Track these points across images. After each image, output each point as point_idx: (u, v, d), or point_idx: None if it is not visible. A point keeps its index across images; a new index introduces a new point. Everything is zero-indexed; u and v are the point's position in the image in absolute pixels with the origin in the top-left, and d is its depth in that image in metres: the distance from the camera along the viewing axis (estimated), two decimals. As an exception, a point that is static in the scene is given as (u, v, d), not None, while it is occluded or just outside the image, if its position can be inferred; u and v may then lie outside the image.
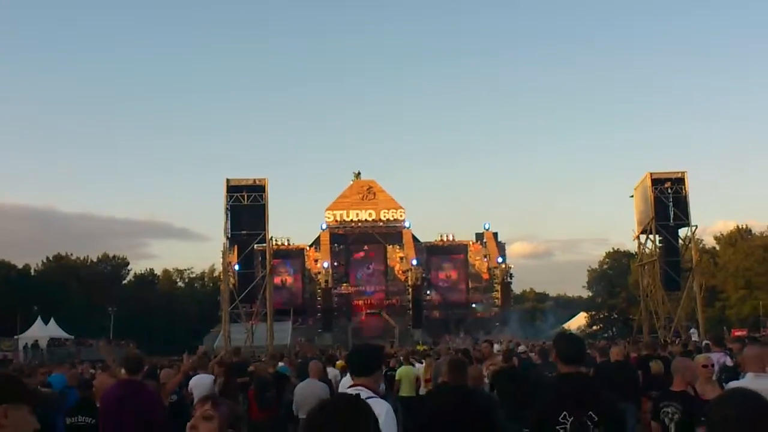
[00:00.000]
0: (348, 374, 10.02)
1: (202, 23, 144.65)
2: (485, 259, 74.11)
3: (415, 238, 73.01)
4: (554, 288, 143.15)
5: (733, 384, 7.17)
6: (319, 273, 68.51)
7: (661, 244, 51.86)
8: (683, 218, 50.88)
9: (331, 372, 14.91)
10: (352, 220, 72.22)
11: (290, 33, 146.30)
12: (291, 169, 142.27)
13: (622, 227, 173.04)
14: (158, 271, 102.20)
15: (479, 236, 76.01)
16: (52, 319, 59.00)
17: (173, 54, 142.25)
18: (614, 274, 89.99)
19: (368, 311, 70.86)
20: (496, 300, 71.62)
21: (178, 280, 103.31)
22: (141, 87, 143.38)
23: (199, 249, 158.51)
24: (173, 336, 71.31)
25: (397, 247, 73.51)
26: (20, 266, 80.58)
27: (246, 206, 49.88)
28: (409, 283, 68.21)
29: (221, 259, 54.04)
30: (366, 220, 72.13)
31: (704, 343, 18.88)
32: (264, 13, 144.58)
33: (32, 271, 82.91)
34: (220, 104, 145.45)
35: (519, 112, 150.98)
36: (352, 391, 4.20)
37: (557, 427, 4.73)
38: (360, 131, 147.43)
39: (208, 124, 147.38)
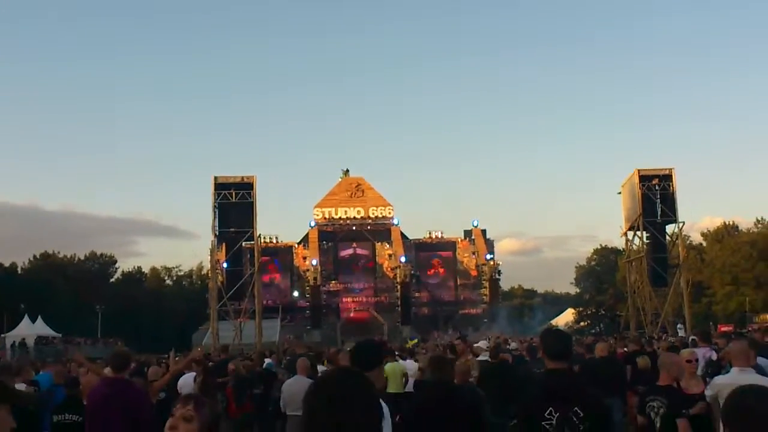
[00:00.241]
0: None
1: (192, 23, 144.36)
2: (473, 256, 74.25)
3: (403, 236, 73.04)
4: (542, 284, 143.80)
5: (718, 379, 7.23)
6: (308, 270, 68.44)
7: (648, 241, 52.16)
8: (670, 215, 51.17)
9: (321, 369, 14.91)
10: (340, 218, 72.19)
11: (282, 32, 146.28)
12: (279, 166, 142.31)
13: (610, 224, 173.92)
14: (146, 269, 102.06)
15: (468, 233, 76.10)
16: (39, 317, 58.72)
17: (162, 53, 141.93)
18: (602, 270, 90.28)
19: (357, 308, 70.85)
20: (485, 297, 71.76)
21: (166, 278, 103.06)
22: (128, 85, 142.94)
23: (187, 247, 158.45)
24: (162, 334, 71.09)
25: (386, 244, 73.51)
26: (7, 264, 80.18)
27: (234, 204, 49.81)
28: (398, 280, 68.23)
29: (209, 257, 53.97)
30: (354, 217, 72.09)
31: (691, 338, 19.00)
32: (255, 12, 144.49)
33: (19, 269, 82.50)
34: (208, 102, 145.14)
35: (509, 111, 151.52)
36: None
37: (543, 423, 4.74)
38: (348, 128, 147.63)
39: (195, 121, 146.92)
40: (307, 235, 73.08)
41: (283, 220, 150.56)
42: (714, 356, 12.34)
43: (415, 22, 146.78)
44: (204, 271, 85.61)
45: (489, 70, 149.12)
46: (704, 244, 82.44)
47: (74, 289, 79.09)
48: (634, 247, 54.18)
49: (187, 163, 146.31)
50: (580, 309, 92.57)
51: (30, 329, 56.72)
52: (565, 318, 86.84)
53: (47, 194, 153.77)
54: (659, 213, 51.33)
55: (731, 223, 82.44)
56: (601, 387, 6.96)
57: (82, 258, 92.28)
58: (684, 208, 66.77)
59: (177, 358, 17.15)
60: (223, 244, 51.90)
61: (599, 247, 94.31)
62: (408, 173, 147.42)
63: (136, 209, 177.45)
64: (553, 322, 77.99)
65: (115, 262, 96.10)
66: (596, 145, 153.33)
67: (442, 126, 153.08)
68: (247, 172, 51.91)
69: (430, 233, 75.70)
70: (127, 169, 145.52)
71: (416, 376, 14.91)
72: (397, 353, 18.26)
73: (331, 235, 73.64)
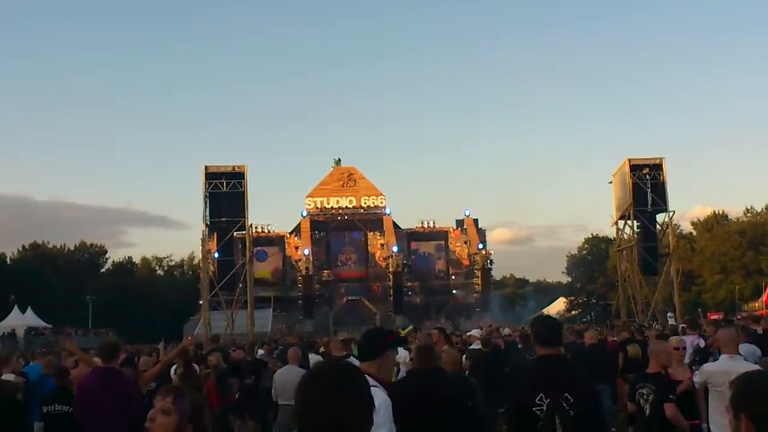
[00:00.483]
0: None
1: (183, 13, 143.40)
2: (466, 246, 74.43)
3: (395, 225, 73.12)
4: (534, 274, 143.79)
5: (707, 366, 7.27)
6: (300, 260, 68.47)
7: (638, 230, 52.32)
8: (661, 204, 51.31)
9: (313, 358, 14.90)
10: (332, 207, 72.22)
11: (270, 23, 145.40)
12: (271, 156, 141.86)
13: (601, 213, 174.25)
14: (137, 260, 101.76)
15: (460, 223, 76.32)
16: (29, 307, 58.54)
17: (151, 42, 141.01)
18: (593, 259, 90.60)
19: (349, 298, 70.91)
20: (477, 286, 71.93)
21: (157, 268, 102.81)
22: (120, 76, 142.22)
23: (178, 237, 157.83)
24: (153, 324, 70.93)
25: (378, 233, 73.58)
26: (-4, 254, 79.91)
27: (225, 193, 49.68)
28: (390, 269, 68.30)
29: (201, 247, 53.86)
30: (346, 207, 72.14)
31: (681, 326, 19.10)
32: (245, 2, 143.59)
33: (8, 259, 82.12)
34: (198, 91, 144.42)
35: (502, 101, 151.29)
36: None
37: (533, 409, 4.73)
38: (340, 118, 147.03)
39: (186, 111, 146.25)
40: (299, 224, 73.09)
41: (275, 209, 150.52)
42: (702, 343, 12.44)
43: (407, 11, 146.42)
44: (195, 261, 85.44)
45: (481, 59, 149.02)
46: (694, 233, 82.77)
47: (64, 280, 78.81)
48: (625, 236, 54.36)
49: (177, 153, 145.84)
50: (572, 298, 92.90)
51: (20, 320, 56.56)
52: (557, 307, 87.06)
53: (37, 184, 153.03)
54: (650, 202, 51.46)
55: (721, 212, 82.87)
56: (590, 374, 6.98)
57: (72, 248, 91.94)
58: (674, 198, 67.09)
59: (168, 349, 17.16)
60: (215, 234, 51.78)
61: (590, 236, 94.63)
62: (400, 163, 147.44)
63: (126, 199, 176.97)
64: (545, 310, 78.14)
65: (106, 252, 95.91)
66: (587, 134, 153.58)
67: (434, 115, 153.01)
68: (238, 162, 51.76)
69: (422, 222, 75.83)
70: (117, 159, 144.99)
71: (408, 366, 14.90)
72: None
73: (323, 224, 73.67)
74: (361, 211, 72.35)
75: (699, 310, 52.02)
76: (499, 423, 10.47)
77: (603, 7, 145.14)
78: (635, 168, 51.35)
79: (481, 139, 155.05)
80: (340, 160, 75.57)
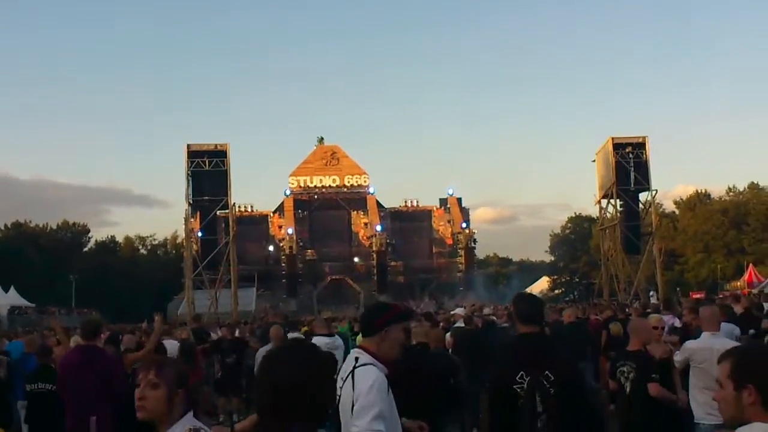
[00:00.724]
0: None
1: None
2: (449, 225, 74.60)
3: (379, 204, 73.13)
4: (518, 253, 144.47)
5: (689, 343, 7.33)
6: (284, 239, 68.41)
7: (621, 209, 52.58)
8: (644, 183, 51.56)
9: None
10: (315, 186, 72.08)
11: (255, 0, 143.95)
12: (253, 134, 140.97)
13: (585, 192, 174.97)
14: (120, 239, 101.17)
15: (443, 202, 76.42)
16: (12, 287, 58.17)
17: (132, 19, 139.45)
18: (576, 238, 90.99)
19: (333, 277, 70.97)
20: (460, 265, 72.16)
21: (140, 247, 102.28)
22: (102, 52, 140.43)
23: (161, 216, 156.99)
24: (137, 303, 70.72)
25: (362, 212, 73.58)
26: (-23, 234, 79.27)
27: (208, 172, 49.48)
28: (374, 248, 68.35)
29: (184, 226, 53.67)
30: (330, 186, 72.03)
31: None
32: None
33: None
34: (180, 69, 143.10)
35: (483, 79, 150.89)
36: (353, 354, 4.03)
37: (514, 387, 4.75)
38: (323, 96, 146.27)
39: (168, 89, 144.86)
40: (282, 203, 72.95)
41: (258, 188, 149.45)
42: (677, 323, 12.60)
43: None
44: (179, 240, 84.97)
45: (465, 38, 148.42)
46: (677, 212, 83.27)
47: (47, 259, 78.35)
48: (608, 215, 54.62)
49: (160, 132, 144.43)
50: (555, 277, 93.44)
51: (2, 299, 56.13)
52: (540, 285, 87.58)
53: (19, 163, 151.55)
54: (633, 181, 51.68)
55: (703, 191, 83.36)
56: (569, 352, 7.03)
57: (55, 227, 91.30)
58: (657, 177, 67.26)
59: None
60: (198, 213, 51.63)
61: (573, 215, 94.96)
62: (384, 142, 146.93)
63: (108, 178, 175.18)
64: (528, 289, 78.69)
65: (89, 231, 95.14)
66: (571, 113, 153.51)
67: (417, 94, 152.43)
68: (220, 140, 51.47)
69: (405, 202, 75.85)
70: (99, 138, 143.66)
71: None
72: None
73: (306, 203, 73.56)
74: (345, 190, 72.28)
75: (678, 289, 52.52)
76: (482, 400, 10.55)
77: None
78: (618, 147, 51.51)
79: (465, 118, 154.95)
80: (323, 138, 75.40)
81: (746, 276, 52.13)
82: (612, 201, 52.89)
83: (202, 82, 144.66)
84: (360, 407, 3.64)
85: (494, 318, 17.48)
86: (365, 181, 72.45)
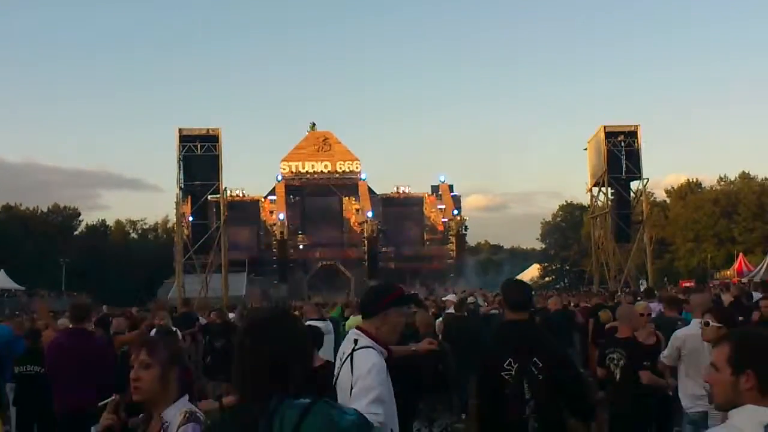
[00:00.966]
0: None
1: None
2: (440, 211, 74.63)
3: (371, 191, 73.06)
4: (509, 240, 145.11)
5: (680, 331, 7.34)
6: (275, 224, 68.33)
7: (613, 197, 52.57)
8: (635, 171, 51.54)
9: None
10: (307, 172, 71.96)
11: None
12: (245, 119, 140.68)
13: (576, 180, 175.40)
14: (110, 222, 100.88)
15: (435, 188, 76.45)
16: (2, 270, 57.99)
17: (125, 3, 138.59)
18: (567, 226, 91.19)
19: (324, 262, 70.96)
20: (451, 252, 72.22)
21: (131, 231, 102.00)
22: (91, 36, 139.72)
23: (152, 200, 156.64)
24: (127, 287, 70.65)
25: (353, 199, 73.55)
26: (-33, 216, 78.92)
27: (199, 156, 49.23)
28: (365, 235, 68.34)
29: (175, 210, 53.48)
30: (322, 171, 71.93)
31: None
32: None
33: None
34: (173, 52, 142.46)
35: (476, 66, 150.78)
36: (351, 336, 4.01)
37: (502, 374, 4.75)
38: (316, 82, 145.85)
39: (159, 72, 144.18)
40: (274, 188, 72.82)
41: (250, 173, 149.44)
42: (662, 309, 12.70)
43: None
44: (170, 225, 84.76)
45: (456, 24, 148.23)
46: (668, 201, 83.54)
47: (37, 242, 78.12)
48: (599, 203, 54.66)
49: (151, 115, 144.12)
50: (546, 264, 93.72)
51: (-8, 282, 56.07)
52: (531, 273, 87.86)
53: (9, 146, 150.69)
54: (624, 169, 51.66)
55: (695, 180, 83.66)
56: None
57: (46, 210, 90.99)
58: (649, 165, 67.73)
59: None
60: (189, 198, 51.41)
61: (565, 203, 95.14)
62: (376, 127, 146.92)
63: (99, 161, 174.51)
64: (519, 276, 78.72)
65: (79, 215, 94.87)
66: (563, 101, 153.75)
67: (410, 80, 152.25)
68: (212, 125, 51.29)
69: (397, 188, 75.77)
70: (90, 121, 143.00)
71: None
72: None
73: (298, 189, 73.47)
74: (337, 175, 72.19)
75: (665, 278, 52.67)
76: (471, 386, 10.57)
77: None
78: (610, 135, 51.45)
79: (458, 105, 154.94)
80: (315, 124, 75.25)
81: (736, 265, 52.35)
82: (603, 189, 52.89)
83: (195, 66, 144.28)
84: (359, 390, 3.64)
85: (479, 304, 17.54)
86: (357, 168, 72.34)
